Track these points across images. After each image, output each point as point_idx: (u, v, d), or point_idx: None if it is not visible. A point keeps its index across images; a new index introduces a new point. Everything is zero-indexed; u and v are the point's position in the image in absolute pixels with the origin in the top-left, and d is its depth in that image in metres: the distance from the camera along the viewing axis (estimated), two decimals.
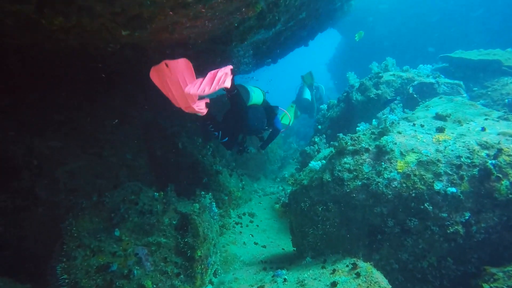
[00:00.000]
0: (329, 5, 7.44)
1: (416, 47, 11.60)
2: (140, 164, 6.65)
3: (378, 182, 3.90)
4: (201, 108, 4.05)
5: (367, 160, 4.11)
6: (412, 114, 4.81)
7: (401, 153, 3.98)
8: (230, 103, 4.73)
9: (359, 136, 4.35)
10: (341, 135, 4.31)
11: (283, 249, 5.95)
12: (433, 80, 5.90)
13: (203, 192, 4.96)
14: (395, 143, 4.03)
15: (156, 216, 4.20)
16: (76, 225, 3.71)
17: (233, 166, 8.70)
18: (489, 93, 6.51)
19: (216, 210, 4.94)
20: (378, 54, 12.35)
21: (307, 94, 10.88)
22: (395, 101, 5.89)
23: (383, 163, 3.98)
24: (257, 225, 6.84)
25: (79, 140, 5.76)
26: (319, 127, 7.23)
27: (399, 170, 3.89)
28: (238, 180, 8.23)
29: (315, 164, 4.43)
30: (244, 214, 7.19)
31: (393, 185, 3.85)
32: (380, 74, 6.16)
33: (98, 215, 3.96)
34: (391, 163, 3.96)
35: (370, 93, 6.08)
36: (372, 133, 4.36)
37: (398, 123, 4.37)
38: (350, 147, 4.27)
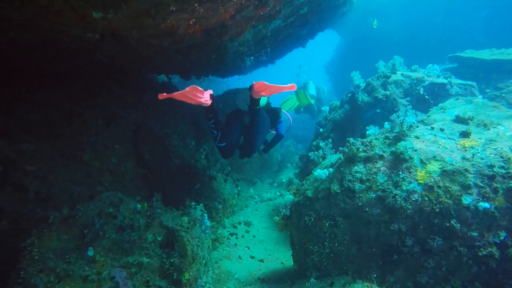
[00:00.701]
0: (331, 1, 6.88)
1: (418, 48, 11.07)
2: (126, 169, 6.01)
3: (396, 194, 3.30)
4: (206, 99, 3.96)
5: (382, 168, 3.52)
6: (428, 116, 4.23)
7: (422, 161, 3.39)
8: (249, 114, 4.46)
9: (371, 141, 3.76)
10: (351, 139, 3.72)
11: (282, 263, 5.34)
12: (445, 81, 5.34)
13: (193, 203, 4.33)
14: (415, 150, 3.44)
15: (137, 232, 3.57)
16: (39, 245, 3.07)
17: (228, 170, 8.08)
18: (503, 95, 5.97)
19: (208, 223, 4.32)
20: (378, 55, 11.83)
21: (312, 90, 10.19)
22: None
23: (400, 172, 3.39)
24: (254, 236, 6.22)
25: (56, 143, 5.12)
26: (321, 130, 6.65)
27: (419, 181, 3.30)
28: (233, 186, 7.61)
29: (321, 172, 3.84)
30: (239, 223, 6.57)
31: (413, 198, 3.26)
32: (388, 74, 5.60)
33: (68, 231, 3.32)
34: (410, 172, 3.37)
35: (378, 94, 5.51)
36: (386, 137, 3.78)
37: (417, 126, 3.78)
38: (362, 154, 3.67)
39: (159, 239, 3.67)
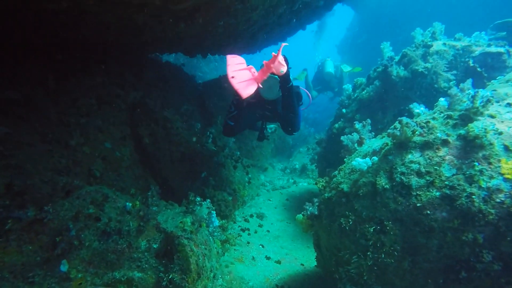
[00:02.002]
0: None
1: (447, 19, 9.89)
2: (122, 155, 5.13)
3: (471, 193, 2.38)
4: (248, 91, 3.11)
5: (447, 158, 2.58)
6: (493, 91, 3.24)
7: (507, 148, 2.44)
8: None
9: (429, 122, 2.81)
10: (404, 119, 2.77)
11: (302, 265, 4.49)
12: (501, 49, 4.34)
13: (198, 198, 3.44)
14: (499, 133, 2.49)
15: (127, 238, 2.71)
16: None
17: (238, 156, 7.17)
18: None
19: (217, 223, 3.45)
20: (398, 31, 10.68)
21: (330, 67, 9.25)
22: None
23: (476, 163, 2.45)
24: (268, 230, 5.36)
25: (37, 126, 4.23)
26: (344, 110, 5.67)
27: (506, 176, 2.36)
28: (243, 173, 6.72)
29: (361, 162, 2.91)
30: (251, 215, 5.70)
31: (498, 200, 2.33)
32: (429, 43, 4.59)
33: (33, 240, 2.45)
34: (490, 163, 2.43)
35: (417, 67, 4.51)
36: (448, 116, 2.82)
37: (490, 102, 2.81)
38: (417, 138, 2.73)
39: (154, 246, 2.81)
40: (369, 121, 3.64)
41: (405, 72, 4.61)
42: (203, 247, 2.92)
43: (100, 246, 2.59)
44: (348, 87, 6.12)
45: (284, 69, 3.33)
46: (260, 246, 4.78)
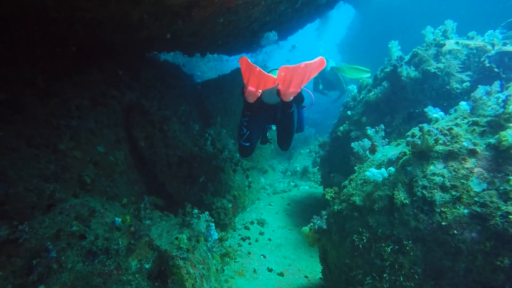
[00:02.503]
0: None
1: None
2: (116, 160, 4.79)
3: (508, 212, 2.06)
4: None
5: (476, 170, 2.26)
6: None
7: None
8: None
9: (452, 128, 2.49)
10: (426, 125, 2.46)
11: (306, 277, 4.18)
12: None
13: (196, 210, 3.12)
14: None
15: (115, 258, 2.38)
16: None
17: (237, 159, 6.84)
18: None
19: (216, 235, 3.12)
20: (402, 30, 10.36)
21: (332, 64, 8.94)
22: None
23: (511, 177, 2.13)
24: (269, 239, 5.04)
25: (23, 128, 3.90)
26: (349, 112, 5.35)
27: None
28: (243, 177, 6.40)
29: (375, 173, 2.59)
30: (252, 222, 5.38)
31: None
32: (442, 41, 4.27)
33: (5, 265, 2.12)
34: None
35: (429, 67, 4.20)
36: (474, 123, 2.50)
37: None
38: (440, 147, 2.42)
39: (147, 266, 2.48)
40: (382, 126, 3.32)
41: (416, 72, 4.29)
42: (200, 266, 2.60)
43: (84, 268, 2.27)
44: (353, 88, 5.79)
45: (290, 97, 3.22)
46: (262, 256, 4.47)
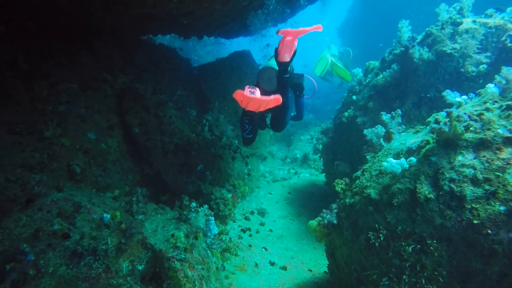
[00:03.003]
0: None
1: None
2: (108, 147, 4.47)
3: None
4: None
5: None
6: None
7: None
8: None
9: (483, 114, 2.19)
10: (454, 110, 2.15)
11: (310, 270, 3.94)
12: None
13: (194, 203, 2.82)
14: None
15: (104, 260, 2.09)
16: None
17: (236, 145, 6.54)
18: None
19: (216, 230, 2.84)
20: (406, 15, 9.92)
21: (334, 52, 8.68)
22: None
23: None
24: (270, 230, 4.79)
25: (4, 114, 3.56)
26: (354, 97, 5.02)
27: None
28: (243, 164, 6.11)
29: (394, 164, 2.29)
30: (252, 212, 5.12)
31: None
32: (459, 20, 3.93)
33: None
34: None
35: (445, 47, 3.87)
36: (508, 107, 2.19)
37: None
38: (470, 135, 2.12)
39: (139, 268, 2.20)
40: (399, 112, 3.00)
41: (430, 54, 3.96)
42: (199, 267, 2.32)
43: (68, 272, 1.98)
44: (358, 71, 5.45)
45: (288, 55, 3.17)
46: (263, 249, 4.21)
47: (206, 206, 2.93)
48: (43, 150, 3.61)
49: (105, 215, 2.29)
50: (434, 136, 2.25)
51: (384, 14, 10.31)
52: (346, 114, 5.01)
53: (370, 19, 10.83)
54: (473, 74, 3.98)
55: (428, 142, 2.28)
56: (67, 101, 4.32)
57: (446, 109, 2.21)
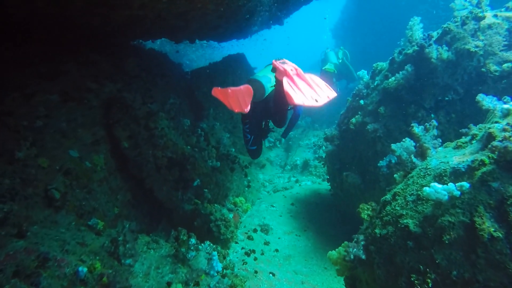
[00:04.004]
0: None
1: None
2: (94, 165, 3.92)
3: None
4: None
5: None
6: None
7: None
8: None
9: None
10: None
11: None
12: None
13: (193, 240, 2.32)
14: None
15: None
16: None
17: (234, 155, 6.04)
18: None
19: (220, 267, 2.33)
20: (401, 13, 9.53)
21: (333, 58, 8.26)
22: None
23: None
24: (276, 249, 4.30)
25: None
26: (362, 102, 4.55)
27: None
28: (242, 175, 5.61)
29: (439, 190, 1.82)
30: (255, 230, 4.61)
31: None
32: (481, 14, 3.48)
33: None
34: None
35: (467, 45, 3.42)
36: None
37: None
38: None
39: None
40: (435, 123, 2.52)
41: (449, 53, 3.52)
42: None
43: None
44: (363, 73, 4.98)
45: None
46: (270, 274, 3.70)
47: (207, 243, 2.44)
48: (15, 174, 3.05)
49: (80, 268, 1.77)
50: (492, 156, 1.77)
51: (381, 14, 9.89)
52: (353, 120, 4.54)
53: (366, 19, 10.39)
54: (496, 74, 3.53)
55: (483, 163, 1.80)
56: (45, 114, 3.78)
57: (496, 120, 1.73)
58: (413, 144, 2.48)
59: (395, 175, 2.47)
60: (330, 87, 2.46)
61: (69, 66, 4.60)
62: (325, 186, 6.38)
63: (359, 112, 4.59)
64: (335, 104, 10.64)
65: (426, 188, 1.89)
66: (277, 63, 2.71)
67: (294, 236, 4.73)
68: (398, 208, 2.13)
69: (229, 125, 7.19)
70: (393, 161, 3.93)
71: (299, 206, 5.60)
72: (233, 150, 6.58)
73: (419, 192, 2.03)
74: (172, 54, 11.63)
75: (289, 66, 2.59)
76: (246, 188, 5.43)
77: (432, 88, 3.74)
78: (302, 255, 4.32)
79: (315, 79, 2.48)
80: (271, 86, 3.25)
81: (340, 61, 8.36)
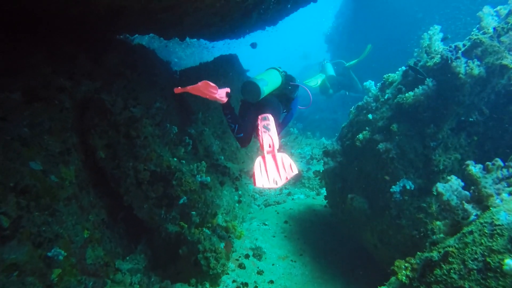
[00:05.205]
0: None
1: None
2: (62, 180, 3.21)
3: None
4: (221, 96, 3.14)
5: None
6: None
7: None
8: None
9: None
10: None
11: None
12: None
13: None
14: None
15: None
16: None
17: (224, 165, 5.41)
18: None
19: None
20: (402, 18, 9.08)
21: (330, 70, 7.84)
22: None
23: None
24: (271, 281, 3.71)
25: None
26: (370, 116, 4.01)
27: None
28: (232, 189, 5.00)
29: None
30: (247, 255, 3.99)
31: None
32: None
33: None
34: None
35: (503, 61, 2.89)
36: None
37: None
38: None
39: None
40: (500, 162, 1.94)
41: (481, 69, 3.01)
42: None
43: None
44: (370, 84, 4.43)
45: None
46: None
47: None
48: None
49: None
50: None
51: (377, 20, 9.41)
52: (360, 136, 3.98)
53: (362, 25, 9.89)
54: None
55: None
56: (1, 117, 3.05)
57: None
58: (461, 184, 1.92)
59: (437, 222, 1.92)
60: (292, 167, 2.71)
61: (39, 58, 3.87)
62: (320, 201, 5.84)
63: (367, 128, 4.04)
64: (324, 110, 10.05)
65: (509, 262, 1.32)
66: (260, 129, 3.03)
67: (289, 262, 4.15)
68: (454, 276, 1.57)
69: (218, 130, 6.55)
70: (408, 187, 3.44)
71: (293, 225, 5.02)
72: (222, 158, 5.96)
73: (489, 260, 1.47)
74: (161, 51, 10.87)
75: (267, 140, 2.90)
76: (237, 204, 4.81)
77: (456, 107, 3.21)
78: (299, 286, 3.74)
79: (284, 160, 2.77)
80: (269, 89, 3.42)
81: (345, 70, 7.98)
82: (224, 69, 7.24)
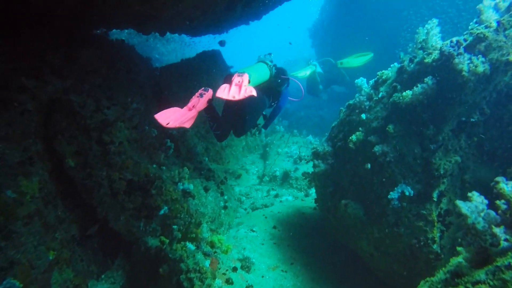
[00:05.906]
0: None
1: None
2: (21, 194, 2.77)
3: None
4: (201, 107, 3.18)
5: None
6: None
7: None
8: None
9: None
10: None
11: None
12: None
13: None
14: None
15: None
16: None
17: (208, 168, 5.04)
18: None
19: None
20: (388, 12, 8.81)
21: (318, 69, 7.61)
22: None
23: None
24: None
25: None
26: (363, 116, 3.71)
27: None
28: (217, 195, 4.63)
29: None
30: (234, 268, 3.63)
31: None
32: None
33: None
34: None
35: (509, 57, 2.66)
36: None
37: None
38: None
39: None
40: None
41: (486, 65, 2.75)
42: None
43: None
44: (362, 82, 4.13)
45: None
46: None
47: None
48: None
49: None
50: None
51: (364, 13, 9.12)
52: (354, 138, 3.68)
53: (347, 19, 9.59)
54: None
55: None
56: None
57: None
58: (485, 201, 1.63)
59: (458, 248, 1.61)
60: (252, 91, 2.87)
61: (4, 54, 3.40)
62: (308, 203, 5.55)
63: (360, 129, 3.74)
64: (310, 107, 9.69)
65: None
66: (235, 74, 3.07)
67: (280, 273, 3.84)
68: None
69: (201, 129, 6.16)
70: (406, 193, 3.16)
71: (282, 230, 4.71)
72: (206, 159, 5.58)
73: None
74: (141, 46, 10.30)
75: (238, 78, 2.98)
76: (223, 210, 4.45)
77: (458, 107, 2.95)
78: None
79: (247, 87, 2.92)
80: (253, 83, 3.26)
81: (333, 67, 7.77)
82: (207, 66, 6.83)
